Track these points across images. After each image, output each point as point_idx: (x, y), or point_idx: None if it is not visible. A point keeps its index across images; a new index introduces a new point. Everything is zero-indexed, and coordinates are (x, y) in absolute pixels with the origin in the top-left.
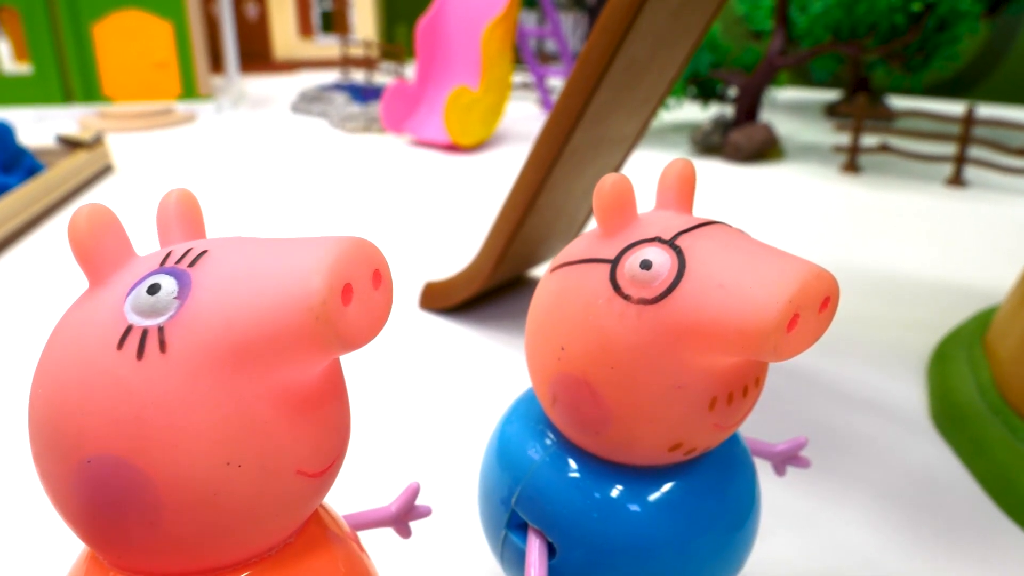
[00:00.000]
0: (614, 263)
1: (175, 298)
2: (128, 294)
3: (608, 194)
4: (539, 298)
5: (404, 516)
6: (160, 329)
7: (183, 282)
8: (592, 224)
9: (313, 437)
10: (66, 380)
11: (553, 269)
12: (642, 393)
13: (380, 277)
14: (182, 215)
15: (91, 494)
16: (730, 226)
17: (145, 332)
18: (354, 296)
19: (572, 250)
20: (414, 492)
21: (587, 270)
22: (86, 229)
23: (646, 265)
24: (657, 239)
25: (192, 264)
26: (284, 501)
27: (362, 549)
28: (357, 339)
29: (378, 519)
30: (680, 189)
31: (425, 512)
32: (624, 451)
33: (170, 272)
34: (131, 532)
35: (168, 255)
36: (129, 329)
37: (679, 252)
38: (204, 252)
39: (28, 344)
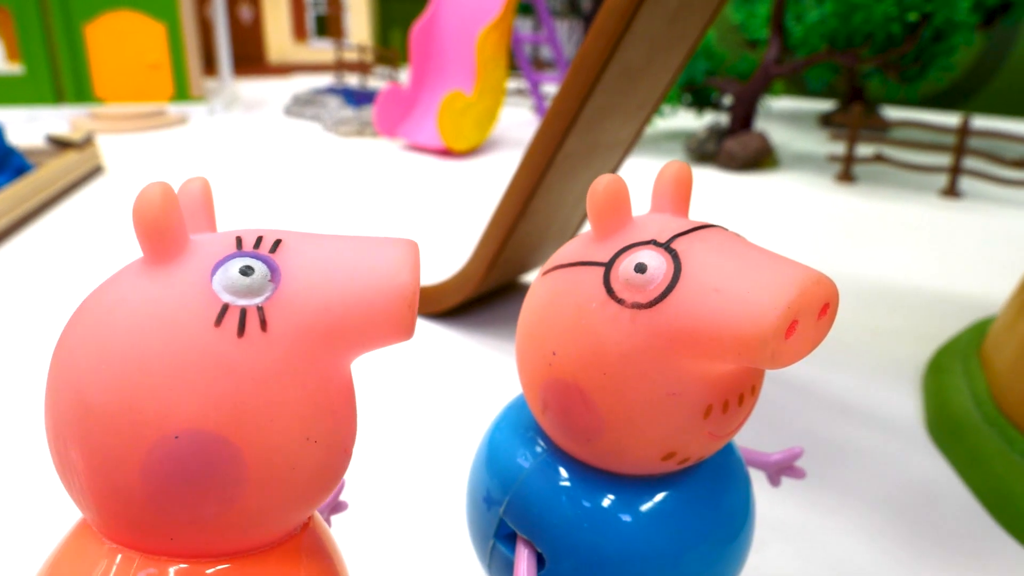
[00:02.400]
0: (608, 266)
1: (269, 280)
2: (213, 273)
3: (602, 195)
4: (530, 302)
5: (330, 509)
6: (260, 309)
7: (272, 266)
8: (586, 230)
9: (354, 419)
10: (148, 356)
11: (545, 272)
12: (635, 400)
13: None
14: (206, 204)
15: (171, 471)
16: (727, 229)
17: (244, 311)
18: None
19: (565, 253)
20: (340, 486)
21: (580, 273)
22: (160, 205)
23: (641, 268)
24: (652, 242)
25: (272, 251)
26: (334, 476)
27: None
28: (414, 328)
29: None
30: (676, 192)
31: (344, 507)
32: (616, 460)
33: (256, 256)
34: (205, 509)
35: (239, 240)
36: (226, 307)
37: (675, 255)
38: (279, 240)
39: (18, 342)
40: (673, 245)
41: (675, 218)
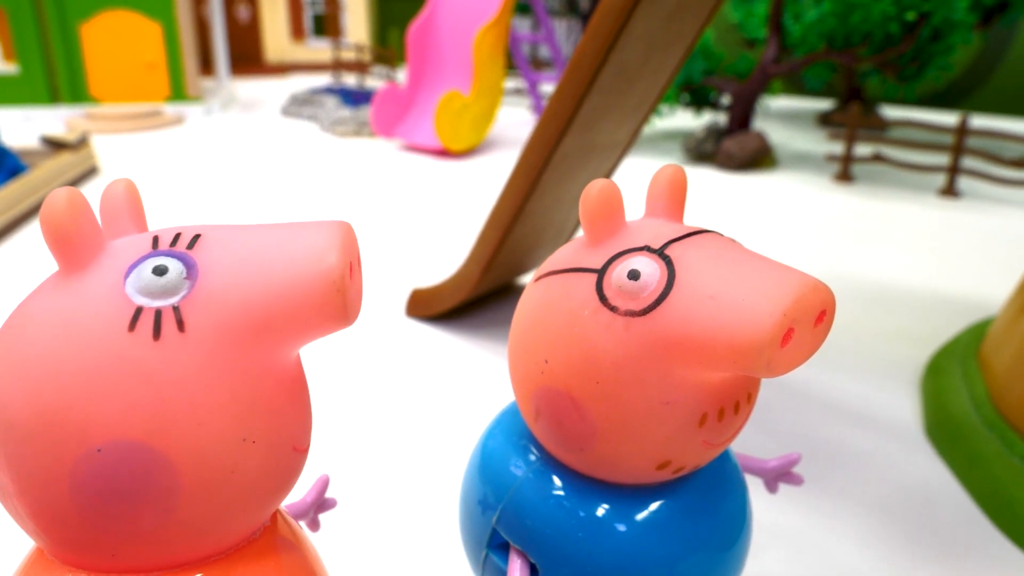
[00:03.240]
0: (601, 273)
1: (185, 278)
2: (126, 276)
3: (595, 201)
4: (523, 308)
5: (316, 508)
6: (176, 309)
7: (189, 263)
8: (580, 235)
9: (301, 414)
10: (62, 368)
11: (538, 278)
12: (628, 409)
13: (358, 260)
14: (132, 206)
15: (99, 486)
16: (722, 235)
17: (159, 312)
18: (352, 273)
19: (557, 258)
20: (325, 483)
21: (572, 280)
22: (66, 212)
23: (634, 275)
24: (646, 248)
25: (190, 247)
26: (283, 477)
27: (314, 552)
28: (356, 313)
29: (295, 512)
30: (670, 196)
31: (332, 504)
32: (610, 469)
33: (171, 254)
34: (142, 522)
35: (156, 239)
36: (140, 310)
37: (668, 262)
38: (197, 235)
39: None
40: (667, 251)
41: (669, 223)
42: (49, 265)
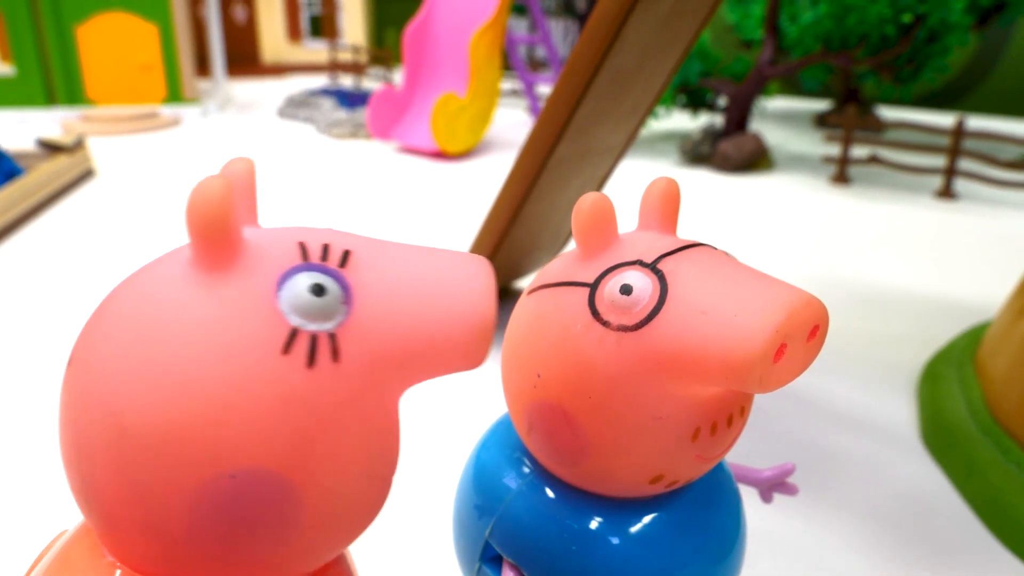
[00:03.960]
0: (593, 287)
1: (342, 303)
2: (278, 290)
3: (587, 214)
4: (515, 322)
5: None
6: (332, 336)
7: (344, 285)
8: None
9: (399, 448)
10: (203, 383)
11: (530, 291)
12: (621, 424)
13: None
14: (250, 190)
15: (222, 512)
16: (715, 248)
17: (315, 337)
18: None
19: (549, 272)
20: None
21: (565, 294)
22: (221, 203)
23: (626, 290)
24: (638, 262)
25: (342, 265)
26: (378, 510)
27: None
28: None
29: None
30: (663, 209)
31: None
32: (603, 482)
33: (326, 272)
34: (255, 550)
35: (303, 248)
36: (295, 333)
37: (661, 276)
38: (348, 252)
39: (9, 348)
40: (659, 266)
41: (662, 236)
42: (46, 268)
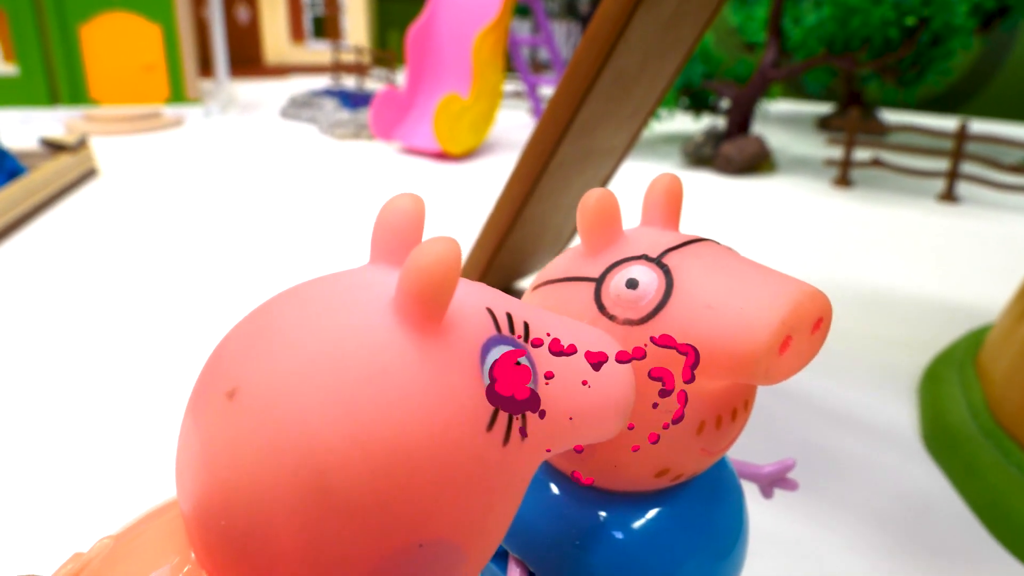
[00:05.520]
0: (599, 282)
1: (534, 381)
2: (482, 363)
3: (592, 210)
4: None
5: None
6: (523, 416)
7: (531, 361)
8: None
9: None
10: (415, 455)
11: (536, 287)
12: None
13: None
14: (416, 229)
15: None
16: (719, 243)
17: (511, 417)
18: None
19: (555, 267)
20: None
21: (571, 289)
22: (450, 267)
23: (632, 284)
24: (643, 257)
25: (525, 339)
26: None
27: None
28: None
29: None
30: (667, 205)
31: None
32: (609, 477)
33: (519, 347)
34: None
35: (495, 318)
36: (498, 411)
37: (666, 271)
38: (527, 324)
39: (11, 348)
40: (664, 260)
41: (666, 232)
42: (49, 267)
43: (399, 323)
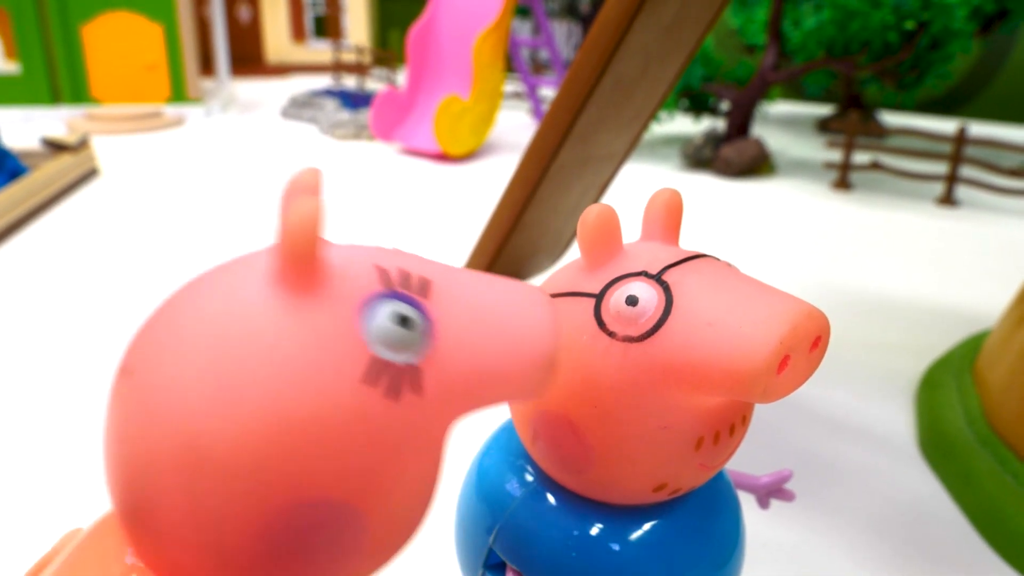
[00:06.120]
0: (599, 298)
1: (425, 335)
2: (361, 317)
3: (593, 226)
4: None
5: None
6: (416, 369)
7: (427, 317)
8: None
9: None
10: (285, 411)
11: None
12: (626, 433)
13: None
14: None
15: (291, 540)
16: (718, 259)
17: (399, 370)
18: None
19: (555, 282)
20: None
21: (570, 304)
22: (312, 226)
23: (632, 301)
24: (643, 273)
25: (423, 294)
26: (419, 528)
27: None
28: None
29: None
30: (667, 220)
31: None
32: (607, 490)
33: (410, 302)
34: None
35: (385, 275)
36: (378, 363)
37: (666, 288)
38: (427, 281)
39: (13, 347)
40: (664, 277)
41: (666, 247)
42: (51, 267)
43: (273, 288)
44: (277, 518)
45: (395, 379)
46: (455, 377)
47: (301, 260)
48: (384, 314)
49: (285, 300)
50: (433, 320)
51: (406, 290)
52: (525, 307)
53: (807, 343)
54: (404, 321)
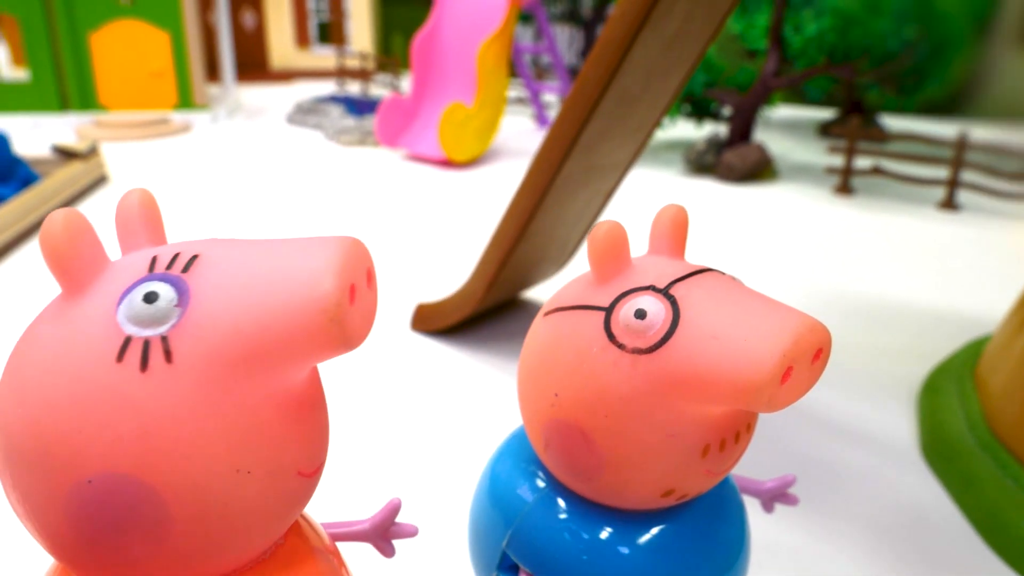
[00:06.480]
0: (608, 311)
1: (176, 306)
2: (119, 303)
3: (602, 242)
4: (532, 343)
5: (384, 533)
6: (164, 339)
7: (181, 289)
8: (584, 248)
9: (309, 437)
10: (55, 398)
11: (546, 313)
12: (636, 442)
13: (371, 276)
14: (146, 217)
15: (90, 516)
16: (723, 273)
17: (147, 343)
18: (355, 296)
19: (565, 295)
20: (394, 509)
21: (581, 317)
22: (63, 235)
23: (640, 314)
24: (651, 288)
25: (185, 269)
26: (286, 503)
27: (342, 563)
28: (360, 338)
29: (355, 533)
30: (673, 235)
31: (410, 531)
32: (617, 496)
33: (165, 279)
34: (133, 551)
35: (154, 260)
36: (128, 340)
37: (673, 302)
38: (195, 256)
39: None
40: (671, 291)
41: (673, 261)
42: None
43: (59, 296)
44: (72, 495)
45: (144, 352)
46: (210, 340)
47: (57, 268)
48: (136, 295)
49: (58, 305)
50: (187, 290)
51: (169, 270)
52: (299, 258)
53: (809, 355)
54: (151, 297)
